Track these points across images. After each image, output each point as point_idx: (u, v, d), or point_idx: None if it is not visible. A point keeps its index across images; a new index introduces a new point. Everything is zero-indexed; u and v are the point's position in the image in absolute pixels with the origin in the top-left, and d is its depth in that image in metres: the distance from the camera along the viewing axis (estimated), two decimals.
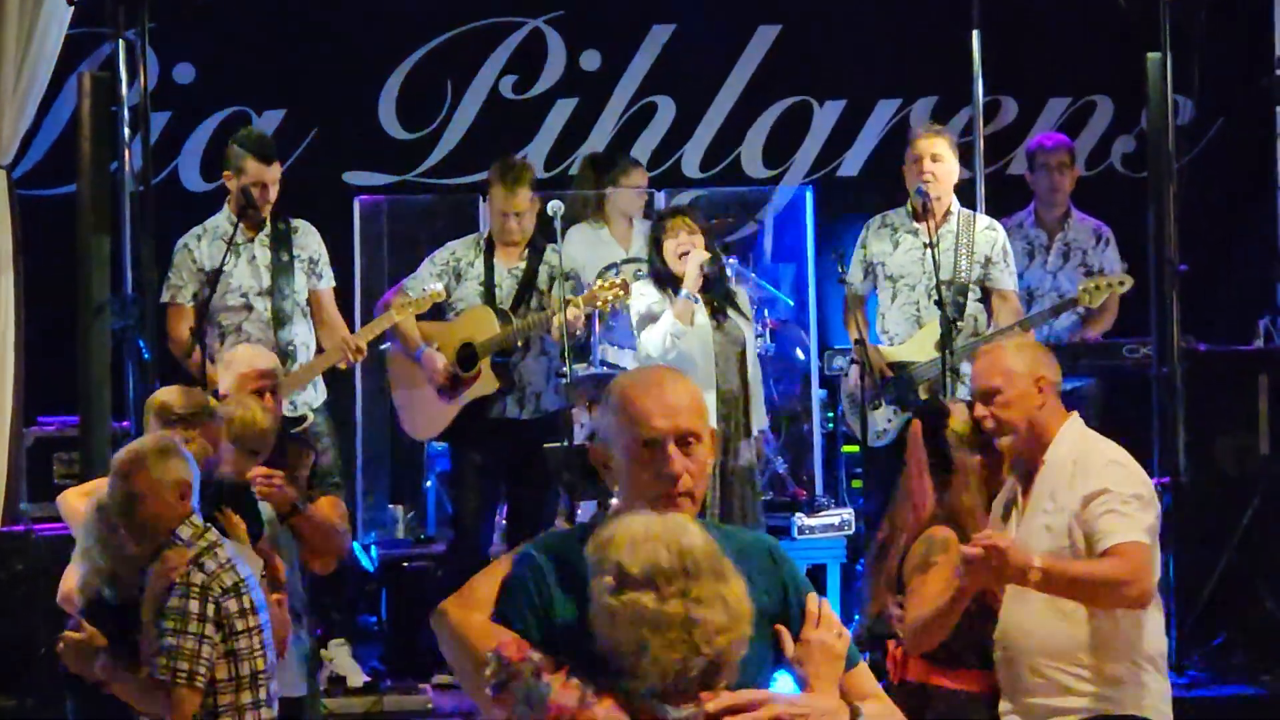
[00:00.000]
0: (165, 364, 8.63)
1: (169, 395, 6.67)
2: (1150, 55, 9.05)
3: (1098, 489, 5.48)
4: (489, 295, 8.98)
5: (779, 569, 3.87)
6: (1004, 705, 5.61)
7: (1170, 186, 8.95)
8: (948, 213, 9.05)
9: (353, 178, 11.01)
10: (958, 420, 5.89)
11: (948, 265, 8.90)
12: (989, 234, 9.09)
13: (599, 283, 8.91)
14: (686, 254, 8.68)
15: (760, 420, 8.97)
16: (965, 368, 8.65)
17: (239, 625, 5.64)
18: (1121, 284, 9.11)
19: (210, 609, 5.59)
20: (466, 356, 8.89)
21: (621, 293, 8.78)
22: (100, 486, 6.67)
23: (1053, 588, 5.41)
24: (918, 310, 9.01)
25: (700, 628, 3.61)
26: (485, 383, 8.90)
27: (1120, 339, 9.84)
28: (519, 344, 8.93)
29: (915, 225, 9.06)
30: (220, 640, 5.61)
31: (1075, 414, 5.75)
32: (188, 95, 10.88)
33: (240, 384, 7.01)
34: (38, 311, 9.08)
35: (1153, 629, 5.57)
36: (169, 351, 8.66)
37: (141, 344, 8.63)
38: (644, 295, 8.80)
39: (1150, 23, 9.02)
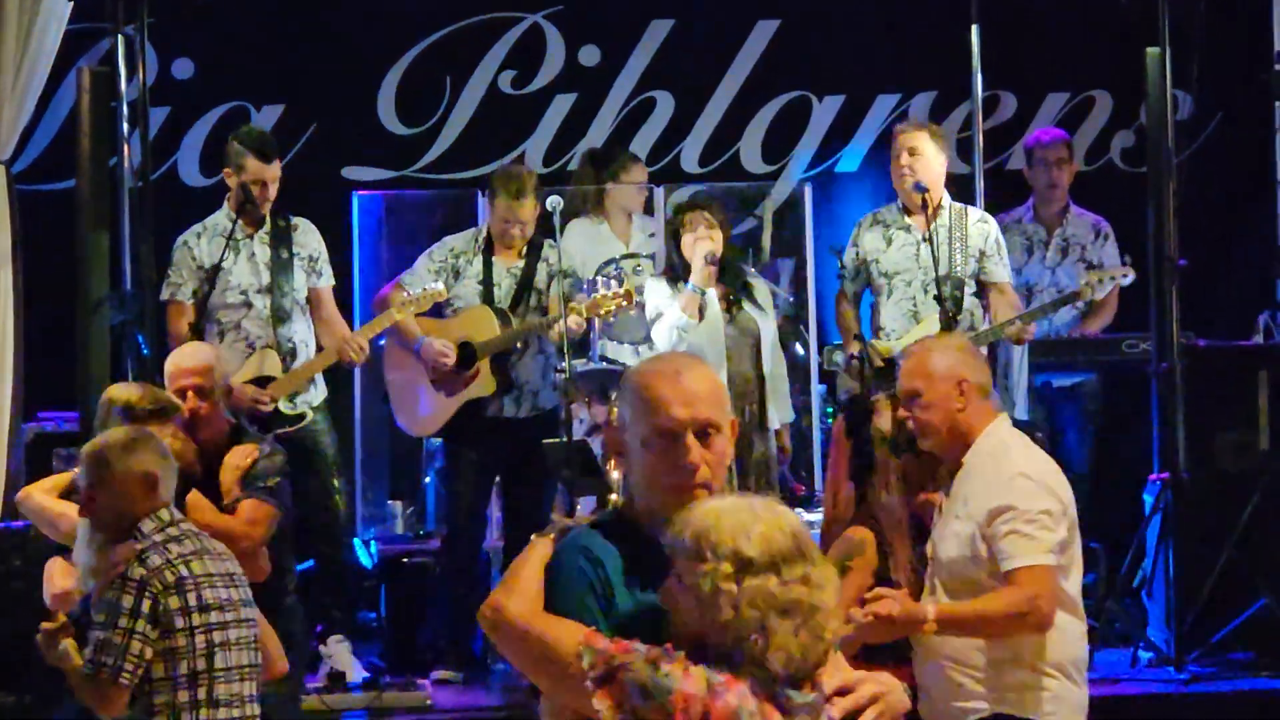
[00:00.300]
0: (164, 360, 8.62)
1: (129, 392, 6.66)
2: (1149, 50, 9.04)
3: (1002, 505, 5.43)
4: (487, 294, 8.97)
5: None
6: (921, 706, 5.60)
7: (1169, 182, 8.95)
8: (939, 206, 9.04)
9: (351, 173, 11.00)
10: (881, 419, 5.87)
11: (943, 260, 8.89)
12: (981, 227, 9.07)
13: (602, 292, 8.89)
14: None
15: (784, 414, 8.92)
16: None
17: (179, 623, 5.53)
18: (1125, 276, 9.11)
19: (146, 605, 5.50)
20: (465, 356, 8.88)
21: (624, 303, 8.77)
22: (59, 483, 6.68)
23: (951, 632, 5.42)
24: (914, 306, 8.99)
25: (821, 613, 3.64)
26: (483, 383, 8.89)
27: (1120, 334, 9.85)
28: (518, 345, 8.92)
29: (907, 221, 9.05)
30: (157, 637, 5.52)
31: (1003, 416, 5.70)
32: (187, 90, 10.87)
33: (169, 384, 7.01)
34: (37, 307, 9.07)
35: (1064, 637, 5.50)
36: (168, 348, 8.65)
37: (140, 339, 8.63)
38: (656, 292, 8.80)
39: (1149, 18, 9.02)
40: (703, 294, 8.67)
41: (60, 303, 8.96)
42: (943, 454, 5.67)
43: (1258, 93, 10.45)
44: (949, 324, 8.62)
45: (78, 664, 5.56)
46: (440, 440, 9.38)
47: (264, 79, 10.96)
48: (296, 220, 8.90)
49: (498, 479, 9.24)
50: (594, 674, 3.60)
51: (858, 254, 9.13)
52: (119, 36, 9.06)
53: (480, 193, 9.94)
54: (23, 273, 8.95)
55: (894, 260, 9.03)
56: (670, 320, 8.68)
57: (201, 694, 5.58)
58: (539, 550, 3.85)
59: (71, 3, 8.88)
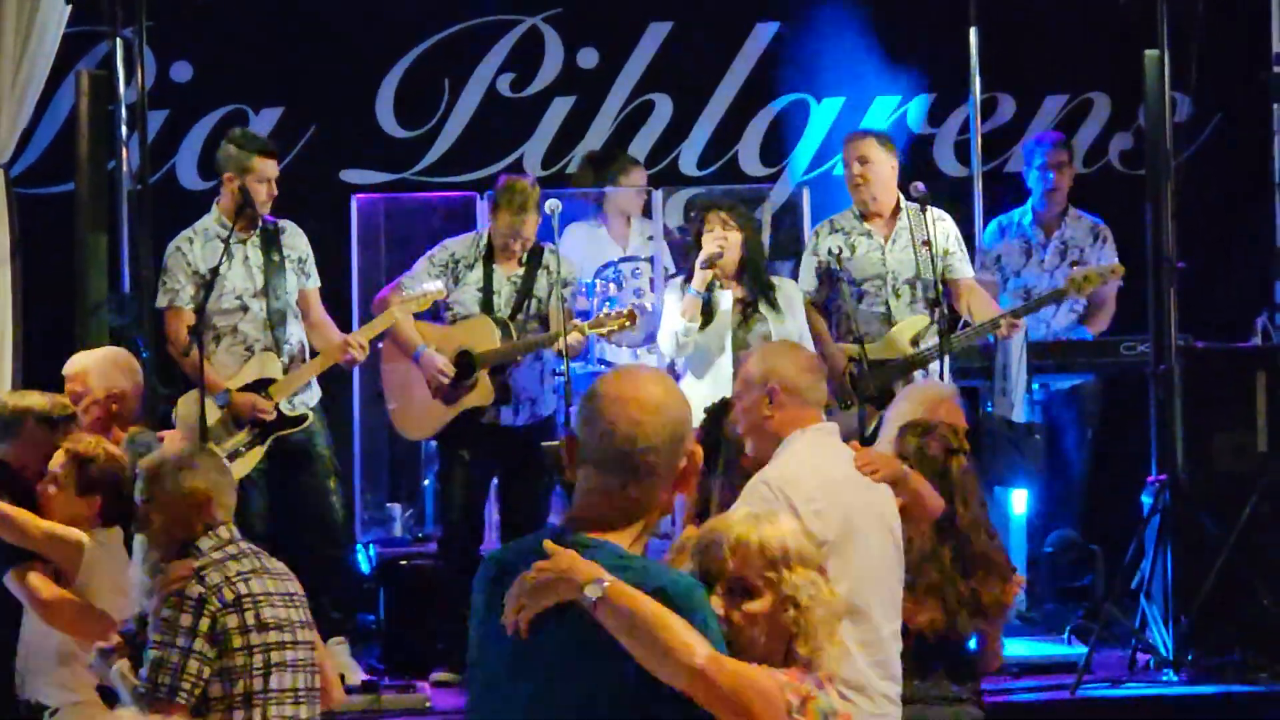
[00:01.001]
0: (163, 362, 8.65)
1: (39, 400, 6.66)
2: (1148, 52, 9.05)
3: None
4: (487, 302, 8.96)
5: None
6: None
7: (1168, 184, 8.95)
8: (897, 210, 9.09)
9: (350, 176, 10.98)
10: (729, 422, 5.89)
11: (908, 262, 8.93)
12: (941, 226, 9.12)
13: (605, 311, 8.91)
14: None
15: None
16: (933, 365, 8.70)
17: (237, 642, 5.45)
18: (1113, 273, 9.11)
19: (204, 623, 5.41)
20: (464, 365, 8.88)
21: (629, 323, 8.77)
22: None
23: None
24: (887, 309, 9.03)
25: None
26: (482, 393, 8.87)
27: (1118, 336, 9.85)
28: (517, 359, 8.93)
29: (866, 227, 9.15)
30: (215, 656, 5.44)
31: (812, 426, 5.52)
32: (185, 94, 10.86)
33: None
34: (36, 310, 9.07)
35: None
36: (166, 351, 8.67)
37: (140, 342, 8.63)
38: (670, 297, 8.81)
39: (1148, 20, 9.02)
40: (701, 297, 8.66)
41: (59, 306, 8.97)
42: (761, 457, 5.58)
43: (1256, 94, 10.44)
44: (948, 326, 8.65)
45: (134, 684, 5.50)
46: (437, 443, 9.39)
47: (262, 82, 10.95)
48: (283, 223, 8.89)
49: (495, 482, 9.24)
50: (796, 707, 3.60)
51: (819, 261, 9.16)
52: (117, 40, 9.09)
53: (479, 196, 9.93)
54: (22, 275, 8.95)
55: (860, 266, 9.08)
56: (670, 326, 8.70)
57: (256, 715, 5.49)
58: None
59: (70, 6, 8.89)
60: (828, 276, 9.13)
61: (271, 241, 8.79)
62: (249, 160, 8.65)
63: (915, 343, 8.87)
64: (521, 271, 9.01)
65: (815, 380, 5.59)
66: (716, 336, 8.69)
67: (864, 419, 8.77)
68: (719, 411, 6.11)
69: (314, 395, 8.88)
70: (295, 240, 8.89)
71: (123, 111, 9.14)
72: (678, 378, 8.79)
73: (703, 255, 8.66)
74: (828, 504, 5.36)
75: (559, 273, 8.94)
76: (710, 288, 8.75)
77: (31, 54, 8.84)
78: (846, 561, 5.37)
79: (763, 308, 8.79)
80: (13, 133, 8.94)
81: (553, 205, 8.76)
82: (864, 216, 9.17)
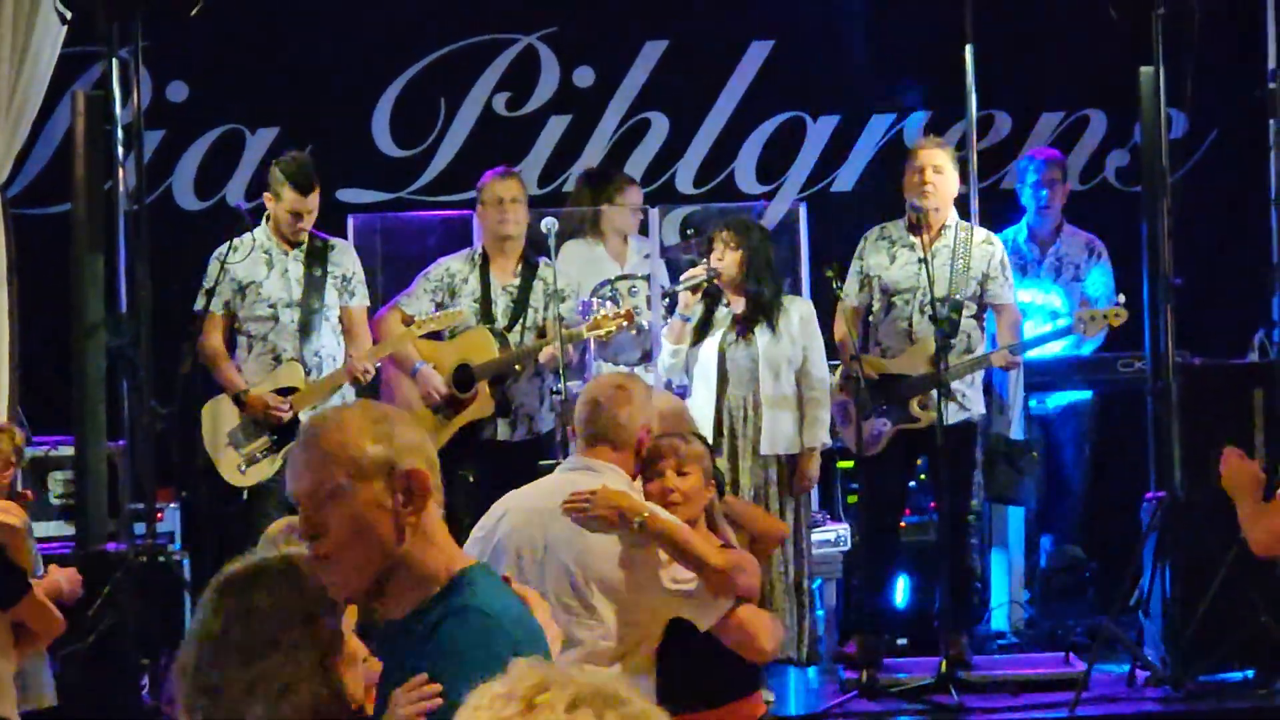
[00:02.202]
0: (159, 382, 8.64)
1: None
2: (1143, 69, 9.05)
3: None
4: (485, 313, 8.99)
5: None
6: None
7: (1164, 200, 8.94)
8: (944, 226, 9.02)
9: (346, 195, 10.99)
10: None
11: (943, 280, 8.87)
12: (985, 248, 9.05)
13: (602, 313, 8.89)
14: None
15: (780, 442, 8.70)
16: (955, 385, 8.68)
17: None
18: (1118, 317, 9.05)
19: None
20: (463, 378, 8.89)
21: (625, 323, 8.78)
22: None
23: None
24: (910, 326, 8.97)
25: None
26: (482, 405, 8.89)
27: (1115, 353, 9.84)
28: (516, 368, 8.93)
29: (913, 239, 9.02)
30: None
31: (575, 456, 5.84)
32: (181, 114, 10.88)
33: None
34: (32, 331, 9.07)
35: None
36: (163, 370, 8.68)
37: (136, 362, 8.64)
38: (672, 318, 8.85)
39: (1143, 36, 9.02)
40: (686, 320, 8.67)
41: (56, 326, 8.96)
42: None
43: (1252, 110, 10.44)
44: (945, 343, 8.63)
45: None
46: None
47: (258, 102, 10.96)
48: (334, 240, 9.08)
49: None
50: None
51: (863, 268, 9.11)
52: (113, 60, 9.07)
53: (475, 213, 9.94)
54: (19, 296, 8.95)
55: (895, 278, 9.01)
56: (665, 350, 8.73)
57: None
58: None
59: (66, 26, 8.89)
60: (868, 284, 9.08)
61: (317, 257, 8.91)
62: (280, 188, 8.85)
63: (936, 362, 8.73)
64: (517, 283, 9.05)
65: (601, 415, 5.72)
66: (709, 355, 8.70)
67: (862, 432, 8.78)
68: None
69: None
70: (343, 258, 9.03)
71: (119, 132, 9.13)
72: (684, 393, 8.75)
73: (682, 280, 8.69)
74: (484, 532, 5.67)
75: (555, 284, 8.95)
76: (713, 305, 8.76)
77: (27, 75, 8.85)
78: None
79: (758, 329, 8.75)
80: (9, 153, 8.95)
81: (549, 224, 8.76)
82: (913, 228, 9.05)
